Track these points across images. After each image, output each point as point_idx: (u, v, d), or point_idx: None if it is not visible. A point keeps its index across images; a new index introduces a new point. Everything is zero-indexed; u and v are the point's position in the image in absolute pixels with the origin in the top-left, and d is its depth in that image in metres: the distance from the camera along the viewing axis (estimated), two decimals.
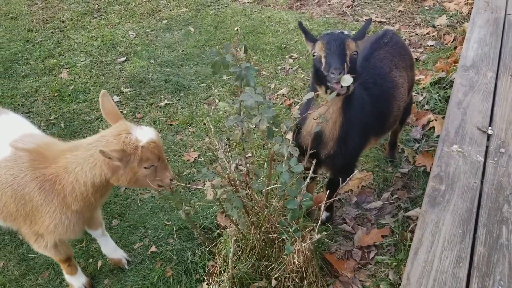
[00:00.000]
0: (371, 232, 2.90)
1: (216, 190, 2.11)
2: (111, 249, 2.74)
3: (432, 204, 2.36)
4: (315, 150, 2.31)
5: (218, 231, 2.79)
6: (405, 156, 3.46)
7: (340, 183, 2.35)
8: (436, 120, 3.65)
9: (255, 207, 2.31)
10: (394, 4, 5.41)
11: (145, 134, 2.06)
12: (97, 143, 2.06)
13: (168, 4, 5.72)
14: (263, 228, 2.36)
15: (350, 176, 2.36)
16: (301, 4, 5.62)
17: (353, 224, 2.99)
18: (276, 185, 2.20)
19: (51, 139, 2.36)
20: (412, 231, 2.72)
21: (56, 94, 4.22)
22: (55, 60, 4.68)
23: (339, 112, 2.28)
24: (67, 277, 2.62)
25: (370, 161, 3.43)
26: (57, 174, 2.12)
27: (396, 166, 3.38)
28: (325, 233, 2.27)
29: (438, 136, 3.39)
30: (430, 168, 3.03)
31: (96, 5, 5.69)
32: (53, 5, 5.69)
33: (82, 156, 2.08)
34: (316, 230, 2.27)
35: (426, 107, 3.86)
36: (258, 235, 2.38)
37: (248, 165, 2.50)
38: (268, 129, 2.21)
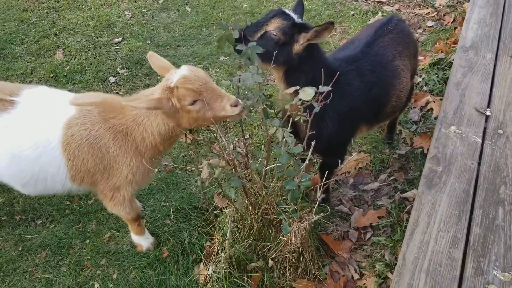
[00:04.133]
0: (367, 213, 2.91)
1: (214, 169, 2.11)
2: None
3: (429, 185, 2.35)
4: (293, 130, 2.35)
5: (215, 212, 2.79)
6: (402, 138, 3.46)
7: (339, 164, 2.36)
8: (434, 102, 3.63)
9: (254, 188, 2.31)
10: None
11: (177, 74, 2.07)
12: (150, 95, 2.11)
13: None
14: (261, 208, 2.36)
15: (345, 163, 2.35)
16: None
17: (350, 205, 2.99)
18: (275, 164, 2.19)
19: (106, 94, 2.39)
20: (409, 212, 2.73)
21: (51, 75, 4.17)
22: (50, 41, 4.62)
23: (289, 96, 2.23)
24: (135, 237, 2.70)
25: (368, 143, 3.42)
26: (127, 126, 2.21)
27: (394, 147, 3.37)
28: (323, 215, 2.28)
29: (436, 118, 3.38)
30: (428, 149, 3.03)
31: None
32: None
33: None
34: (314, 211, 2.27)
35: (425, 88, 3.84)
36: (256, 216, 2.38)
37: (246, 146, 2.50)
38: (264, 110, 2.20)
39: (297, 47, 2.20)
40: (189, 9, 5.15)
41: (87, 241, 2.81)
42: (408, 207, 2.88)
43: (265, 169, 2.22)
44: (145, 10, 5.15)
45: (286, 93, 2.20)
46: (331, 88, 1.98)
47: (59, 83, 4.09)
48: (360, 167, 3.26)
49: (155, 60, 2.25)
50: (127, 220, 2.59)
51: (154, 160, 2.33)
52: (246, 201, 2.35)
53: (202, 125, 2.22)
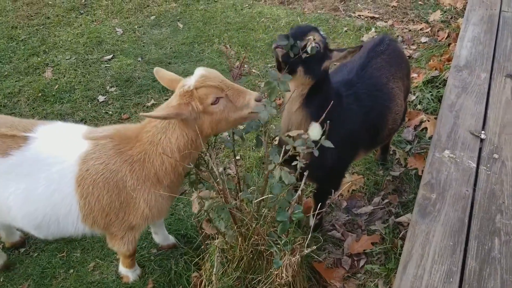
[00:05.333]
0: (361, 239, 2.83)
1: (204, 201, 2.03)
2: (164, 238, 2.78)
3: (423, 214, 2.28)
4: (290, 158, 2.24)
5: (205, 241, 2.70)
6: (396, 158, 3.38)
7: (333, 192, 2.28)
8: (428, 121, 3.57)
9: (245, 219, 2.22)
10: None
11: (193, 77, 2.00)
12: (165, 107, 2.03)
13: None
14: (251, 239, 2.28)
15: (339, 191, 2.27)
16: None
17: (343, 231, 2.91)
18: (266, 196, 2.11)
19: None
20: (403, 238, 2.65)
21: (39, 94, 4.10)
22: (39, 59, 4.55)
23: (301, 117, 2.20)
24: (124, 270, 2.60)
25: (361, 164, 3.34)
26: (145, 152, 2.11)
27: (388, 169, 3.30)
28: (315, 247, 2.20)
29: (430, 138, 3.31)
30: (422, 170, 2.96)
31: (83, 0, 5.54)
32: (38, 1, 5.51)
33: (161, 124, 2.07)
34: (306, 244, 2.18)
35: (419, 107, 3.78)
36: (246, 247, 2.29)
37: (238, 171, 2.42)
38: (257, 139, 2.13)
39: (327, 63, 2.16)
40: (181, 25, 5.10)
41: (71, 270, 2.72)
42: (402, 233, 2.80)
43: (255, 200, 2.14)
44: (136, 27, 5.10)
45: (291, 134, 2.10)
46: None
47: (47, 102, 4.01)
48: (353, 190, 3.18)
49: (162, 74, 2.17)
50: (124, 256, 2.48)
51: (172, 188, 2.22)
52: (236, 232, 2.27)
53: (222, 130, 2.15)
